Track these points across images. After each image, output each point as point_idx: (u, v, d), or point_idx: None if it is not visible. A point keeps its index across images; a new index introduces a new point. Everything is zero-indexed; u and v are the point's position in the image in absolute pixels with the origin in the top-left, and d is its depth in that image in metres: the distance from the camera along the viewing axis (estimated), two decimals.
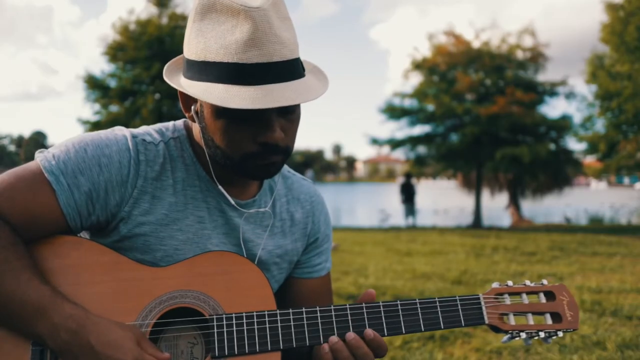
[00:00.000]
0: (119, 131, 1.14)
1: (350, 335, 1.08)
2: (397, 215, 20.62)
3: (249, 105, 0.94)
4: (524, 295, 1.18)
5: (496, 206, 22.61)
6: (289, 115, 1.07)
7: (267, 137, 1.03)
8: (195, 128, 1.17)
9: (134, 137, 1.13)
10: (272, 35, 0.97)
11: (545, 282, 1.20)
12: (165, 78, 1.10)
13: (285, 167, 1.34)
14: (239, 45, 0.96)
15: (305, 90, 1.03)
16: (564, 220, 19.37)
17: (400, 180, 18.27)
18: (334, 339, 1.07)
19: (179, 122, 1.23)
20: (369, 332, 1.08)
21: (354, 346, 1.07)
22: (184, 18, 19.78)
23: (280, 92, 0.97)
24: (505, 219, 20.15)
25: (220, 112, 1.02)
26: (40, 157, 1.07)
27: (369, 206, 32.86)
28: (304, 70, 1.08)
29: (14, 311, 0.96)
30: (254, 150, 1.05)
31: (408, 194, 17.49)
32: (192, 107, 1.09)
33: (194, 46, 1.02)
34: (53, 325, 0.96)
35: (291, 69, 1.01)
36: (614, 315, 4.21)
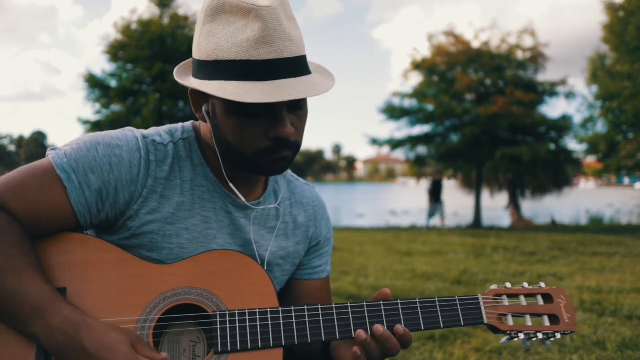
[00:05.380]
0: (130, 132, 1.16)
1: (380, 329, 1.10)
2: (371, 216, 20.43)
3: (263, 99, 0.97)
4: (522, 297, 1.19)
5: (496, 206, 22.61)
6: (298, 111, 1.10)
7: (279, 131, 1.05)
8: (205, 128, 1.19)
9: (144, 137, 1.15)
10: (282, 32, 1.00)
11: (543, 284, 1.21)
12: (176, 78, 1.13)
13: (289, 172, 1.38)
14: (250, 43, 0.99)
15: (315, 84, 1.06)
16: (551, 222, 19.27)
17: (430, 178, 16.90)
18: (362, 333, 1.09)
19: (188, 124, 1.26)
20: (400, 327, 1.11)
21: (385, 339, 1.10)
22: (185, 19, 19.82)
23: (291, 87, 1.01)
24: (505, 219, 20.15)
25: (233, 110, 1.05)
26: (52, 153, 1.09)
27: (349, 207, 32.89)
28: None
29: (14, 309, 0.97)
30: (266, 145, 1.07)
31: (437, 194, 15.60)
32: (203, 107, 1.11)
33: (205, 47, 1.04)
34: (49, 327, 0.96)
35: (300, 65, 1.04)
36: (614, 315, 4.21)
